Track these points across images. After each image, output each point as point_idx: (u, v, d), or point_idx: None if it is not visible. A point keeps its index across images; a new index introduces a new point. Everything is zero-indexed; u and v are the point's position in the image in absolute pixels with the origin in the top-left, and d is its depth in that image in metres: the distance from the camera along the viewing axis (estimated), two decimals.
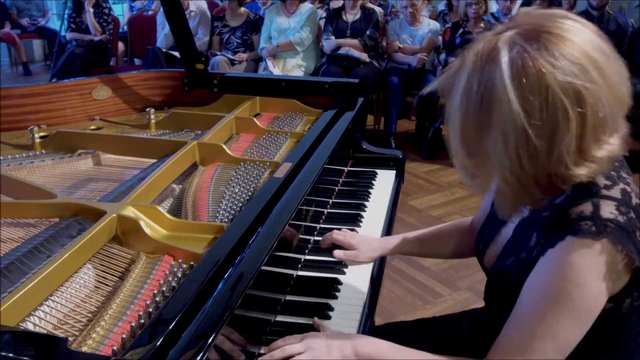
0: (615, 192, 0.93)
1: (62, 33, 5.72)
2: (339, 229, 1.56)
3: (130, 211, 1.26)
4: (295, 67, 4.84)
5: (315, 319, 1.18)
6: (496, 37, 0.90)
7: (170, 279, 1.09)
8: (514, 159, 0.88)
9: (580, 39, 0.87)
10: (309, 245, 1.48)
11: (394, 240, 1.46)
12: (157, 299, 1.03)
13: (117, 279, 1.14)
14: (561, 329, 0.93)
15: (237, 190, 1.45)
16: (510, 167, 0.89)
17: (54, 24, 7.81)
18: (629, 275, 0.94)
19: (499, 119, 0.86)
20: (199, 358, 0.85)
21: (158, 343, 0.85)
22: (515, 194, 0.93)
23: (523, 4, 5.07)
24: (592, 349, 1.03)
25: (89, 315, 1.03)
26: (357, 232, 1.56)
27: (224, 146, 1.64)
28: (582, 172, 0.89)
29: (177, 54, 4.40)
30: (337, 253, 1.42)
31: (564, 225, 0.92)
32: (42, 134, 1.78)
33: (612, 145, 0.90)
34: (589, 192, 0.93)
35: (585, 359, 1.04)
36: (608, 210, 0.91)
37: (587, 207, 0.92)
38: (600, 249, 0.89)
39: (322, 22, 5.10)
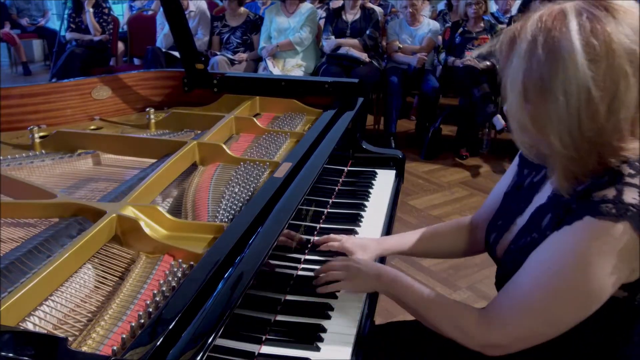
0: (638, 180, 0.93)
1: (62, 33, 5.72)
2: (339, 229, 1.56)
3: (130, 211, 1.26)
4: (295, 67, 4.84)
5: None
6: (560, 5, 0.92)
7: (170, 278, 1.09)
8: (575, 120, 0.89)
9: (638, 12, 0.90)
10: (309, 245, 1.48)
11: (390, 240, 1.46)
12: (157, 298, 1.03)
13: (117, 279, 1.14)
14: (556, 306, 0.94)
15: (237, 190, 1.45)
16: (570, 128, 0.90)
17: (54, 24, 7.82)
18: None
19: (563, 79, 0.88)
20: (199, 358, 0.85)
21: (158, 343, 0.85)
22: (569, 161, 0.93)
23: (522, 4, 5.06)
24: (601, 340, 1.04)
25: (89, 315, 1.03)
26: (356, 233, 1.56)
27: (224, 146, 1.64)
28: (632, 146, 0.91)
29: (176, 53, 4.41)
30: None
31: (584, 207, 0.93)
32: (42, 134, 1.78)
33: None
34: (613, 179, 0.93)
35: (591, 350, 1.05)
36: (631, 195, 0.91)
37: (610, 192, 0.92)
38: (619, 233, 0.89)
39: (321, 22, 5.10)
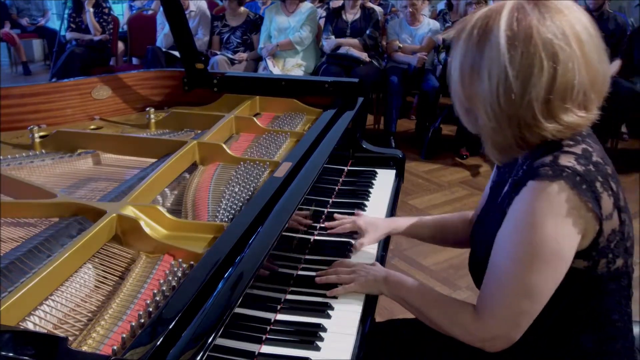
0: (577, 149, 1.04)
1: (62, 33, 5.72)
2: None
3: (130, 211, 1.26)
4: (295, 67, 4.84)
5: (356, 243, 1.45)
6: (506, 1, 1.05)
7: (170, 278, 1.09)
8: (494, 96, 1.01)
9: (571, 15, 1.01)
10: (309, 245, 1.48)
11: (400, 221, 1.55)
12: (157, 298, 1.03)
13: (117, 278, 1.14)
14: (527, 275, 1.01)
15: (237, 189, 1.45)
16: (491, 104, 1.02)
17: (54, 23, 7.81)
18: (595, 226, 1.01)
19: (488, 59, 1.00)
20: (199, 357, 0.85)
21: (158, 343, 0.85)
22: (494, 132, 1.06)
23: None
24: (575, 322, 1.10)
25: (89, 314, 1.03)
26: (356, 233, 1.55)
27: (224, 146, 1.64)
28: (549, 126, 1.01)
29: (177, 53, 4.40)
30: (355, 244, 1.49)
31: (527, 174, 1.04)
32: (42, 133, 1.78)
33: (579, 117, 1.02)
34: (552, 148, 1.04)
35: (571, 337, 1.10)
36: (567, 159, 1.02)
37: (547, 158, 1.03)
38: (557, 190, 0.98)
39: (322, 22, 5.10)
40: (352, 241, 1.50)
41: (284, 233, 1.22)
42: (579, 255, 1.02)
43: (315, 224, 1.57)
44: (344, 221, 1.52)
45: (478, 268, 1.19)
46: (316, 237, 1.53)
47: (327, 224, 1.55)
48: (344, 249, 1.47)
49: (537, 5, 1.01)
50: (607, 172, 1.04)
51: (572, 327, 1.10)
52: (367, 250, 1.48)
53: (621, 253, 1.06)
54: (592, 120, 1.05)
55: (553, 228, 0.98)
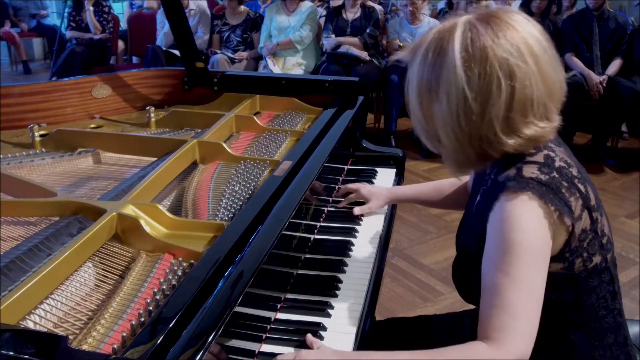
0: (539, 157, 1.06)
1: (62, 31, 5.71)
2: (339, 227, 1.56)
3: (130, 209, 1.26)
4: (295, 66, 4.84)
5: (308, 336, 1.12)
6: (456, 18, 1.06)
7: (170, 277, 1.09)
8: (454, 118, 1.02)
9: (523, 30, 1.02)
10: (309, 244, 1.48)
11: (401, 189, 1.70)
12: (158, 297, 1.04)
13: (118, 277, 1.14)
14: (525, 276, 1.00)
15: (237, 188, 1.45)
16: (452, 125, 1.03)
17: (54, 22, 7.81)
18: (565, 230, 1.03)
19: (445, 81, 1.01)
20: (199, 356, 0.85)
21: (158, 341, 0.85)
22: (455, 151, 1.07)
23: (522, 4, 5.06)
24: (564, 320, 1.11)
25: (90, 313, 1.03)
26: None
27: (224, 145, 1.64)
28: (509, 141, 1.02)
29: (177, 52, 4.40)
30: (356, 210, 1.63)
31: (497, 189, 1.05)
32: (42, 132, 1.78)
33: (541, 128, 1.03)
34: (514, 159, 1.06)
35: (562, 334, 1.11)
36: (530, 171, 1.04)
37: (511, 171, 1.05)
38: (527, 198, 1.00)
39: (322, 21, 5.10)
40: (353, 239, 1.50)
41: (284, 232, 1.22)
42: (553, 259, 1.04)
43: (316, 223, 1.57)
44: (348, 187, 1.65)
45: (460, 277, 1.21)
46: (316, 236, 1.53)
47: (340, 188, 1.66)
48: (344, 248, 1.47)
49: (489, 23, 1.01)
50: (573, 174, 1.06)
51: (562, 325, 1.12)
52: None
53: (597, 250, 1.08)
54: (555, 127, 1.06)
55: (532, 228, 1.00)
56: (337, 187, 1.81)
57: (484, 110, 1.00)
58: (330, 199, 1.73)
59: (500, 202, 1.02)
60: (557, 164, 1.05)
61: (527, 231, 0.99)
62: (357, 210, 1.62)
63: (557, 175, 1.03)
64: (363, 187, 1.66)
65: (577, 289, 1.09)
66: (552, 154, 1.06)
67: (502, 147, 1.03)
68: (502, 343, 0.98)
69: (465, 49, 0.99)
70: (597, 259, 1.08)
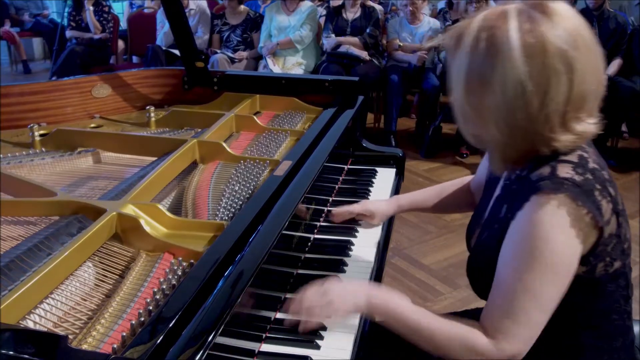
0: (573, 157, 1.02)
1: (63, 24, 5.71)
2: (339, 227, 1.56)
3: (130, 209, 1.26)
4: (295, 65, 4.84)
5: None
6: (503, 6, 1.00)
7: (170, 277, 1.09)
8: (510, 111, 0.97)
9: (576, 20, 0.99)
10: (309, 243, 1.48)
11: (402, 199, 1.61)
12: (157, 297, 1.04)
13: (117, 277, 1.14)
14: (539, 286, 0.98)
15: (237, 188, 1.44)
16: (506, 119, 0.98)
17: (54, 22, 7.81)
18: (595, 233, 1.00)
19: (502, 72, 0.96)
20: (199, 356, 0.85)
21: (158, 341, 0.85)
22: (504, 146, 1.03)
23: None
24: (575, 321, 1.09)
25: (89, 313, 1.03)
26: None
27: (224, 144, 1.64)
28: (563, 138, 0.99)
29: (177, 52, 4.40)
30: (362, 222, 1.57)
31: (527, 188, 1.01)
32: (42, 132, 1.78)
33: (589, 124, 1.00)
34: (548, 158, 1.02)
35: (571, 335, 1.10)
36: (565, 170, 1.00)
37: (545, 170, 1.01)
38: (559, 203, 0.97)
39: (322, 20, 5.10)
40: (353, 239, 1.50)
41: (284, 232, 1.22)
42: (578, 261, 1.01)
43: (316, 223, 1.57)
44: (352, 207, 1.58)
45: (476, 274, 1.18)
46: (316, 236, 1.53)
47: (334, 210, 1.58)
48: (344, 248, 1.47)
49: (545, 12, 0.97)
50: (605, 177, 1.03)
51: (572, 326, 1.10)
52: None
53: (618, 255, 1.05)
54: (599, 126, 1.02)
55: (559, 240, 0.97)
56: (336, 186, 1.81)
57: (542, 104, 0.96)
58: (330, 199, 1.73)
59: (531, 205, 0.99)
60: (591, 165, 1.02)
61: (553, 242, 0.97)
62: (362, 223, 1.57)
63: (590, 177, 1.00)
64: (365, 204, 1.58)
65: (594, 292, 1.07)
66: (585, 155, 1.03)
67: (554, 144, 0.99)
68: (498, 341, 1.02)
69: (523, 39, 0.95)
70: (617, 264, 1.06)
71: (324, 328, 1.16)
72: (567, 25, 0.96)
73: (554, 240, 0.97)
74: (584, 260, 1.02)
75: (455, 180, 1.56)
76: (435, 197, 1.56)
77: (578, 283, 1.03)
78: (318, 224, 1.58)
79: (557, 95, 0.95)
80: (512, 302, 1.00)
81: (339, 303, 1.11)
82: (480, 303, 1.26)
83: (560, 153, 1.02)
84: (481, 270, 1.14)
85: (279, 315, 1.21)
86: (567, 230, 0.97)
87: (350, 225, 1.58)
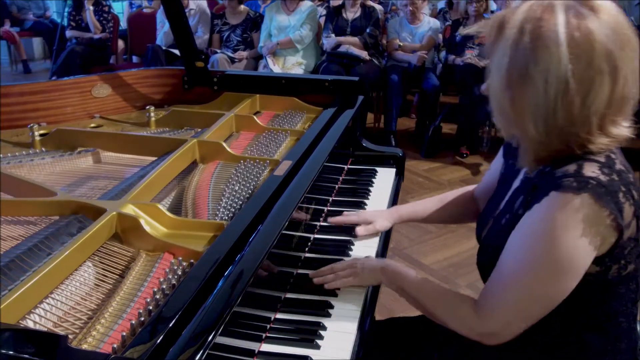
0: (600, 157, 0.99)
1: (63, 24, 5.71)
2: (339, 227, 1.56)
3: (130, 209, 1.26)
4: (295, 65, 4.84)
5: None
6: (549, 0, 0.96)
7: (170, 276, 1.09)
8: (550, 109, 0.94)
9: (619, 16, 0.95)
10: (309, 243, 1.48)
11: (402, 209, 1.58)
12: (157, 296, 1.04)
13: (117, 276, 1.14)
14: (535, 282, 0.99)
15: (237, 188, 1.44)
16: (545, 116, 0.95)
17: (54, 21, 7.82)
18: (615, 235, 0.98)
19: (546, 68, 0.93)
20: (199, 356, 0.85)
21: (158, 341, 0.85)
22: (539, 144, 0.99)
23: None
24: (581, 322, 1.08)
25: (89, 313, 1.03)
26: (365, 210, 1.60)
27: (224, 144, 1.64)
28: (598, 140, 0.96)
29: (177, 51, 4.40)
30: (359, 230, 1.51)
31: (549, 183, 0.98)
32: (42, 131, 1.78)
33: (624, 128, 0.98)
34: (575, 156, 0.99)
35: (576, 335, 1.10)
36: (591, 169, 0.97)
37: (571, 167, 0.98)
38: (580, 204, 0.94)
39: (322, 20, 5.10)
40: (353, 239, 1.50)
41: (284, 231, 1.22)
42: (593, 261, 0.99)
43: (315, 222, 1.57)
44: (348, 216, 1.55)
45: (487, 266, 1.16)
46: (316, 236, 1.53)
47: (330, 219, 1.56)
48: (344, 248, 1.47)
49: (592, 9, 0.93)
50: (630, 180, 1.00)
51: (578, 327, 1.09)
52: (367, 249, 1.48)
53: (633, 259, 1.03)
54: (632, 129, 1.00)
55: (571, 242, 0.95)
56: (336, 186, 1.81)
57: (582, 105, 0.93)
58: (330, 199, 1.73)
59: (549, 200, 0.96)
60: (617, 166, 1.00)
61: (561, 244, 0.95)
62: (360, 230, 1.51)
63: (616, 179, 0.97)
64: (365, 213, 1.57)
65: (603, 293, 1.06)
66: (612, 155, 1.00)
67: (588, 146, 0.97)
68: (481, 316, 1.06)
69: (571, 34, 0.91)
70: (631, 267, 1.04)
71: (324, 328, 1.16)
72: (613, 24, 0.93)
73: (564, 241, 0.95)
74: (599, 260, 1.00)
75: (456, 190, 1.54)
76: (435, 207, 1.54)
77: (589, 282, 1.01)
78: (318, 224, 1.58)
79: (598, 97, 0.93)
80: (506, 288, 1.02)
81: (361, 265, 1.27)
82: None
83: (588, 152, 0.99)
84: (492, 262, 1.12)
85: (279, 315, 1.21)
86: (583, 234, 0.94)
87: (351, 225, 1.58)
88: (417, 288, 1.19)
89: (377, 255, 1.47)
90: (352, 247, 1.48)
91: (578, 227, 0.94)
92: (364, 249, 1.48)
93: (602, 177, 0.96)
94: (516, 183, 1.16)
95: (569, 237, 0.94)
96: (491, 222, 1.21)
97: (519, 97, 0.97)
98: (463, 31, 4.40)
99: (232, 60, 4.95)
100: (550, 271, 0.97)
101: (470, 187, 1.51)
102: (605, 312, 1.08)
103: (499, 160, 1.34)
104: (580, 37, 0.91)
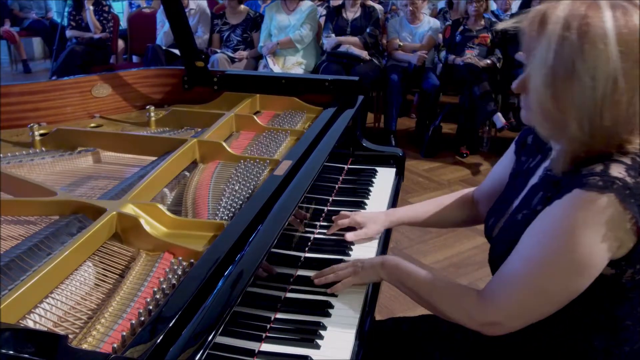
0: (627, 159, 0.97)
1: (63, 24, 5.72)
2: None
3: (130, 209, 1.26)
4: (295, 65, 4.84)
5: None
6: None
7: (170, 276, 1.09)
8: (598, 107, 0.91)
9: None
10: (309, 243, 1.48)
11: (399, 212, 1.54)
12: (157, 296, 1.04)
13: (117, 276, 1.14)
14: (545, 278, 0.97)
15: (237, 187, 1.44)
16: (590, 115, 0.92)
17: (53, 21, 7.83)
18: (634, 240, 0.95)
19: (594, 65, 0.90)
20: (199, 356, 0.85)
21: (158, 341, 0.85)
22: (580, 144, 0.96)
23: (522, 5, 5.06)
24: (589, 324, 1.07)
25: (89, 312, 1.03)
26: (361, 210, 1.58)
27: (224, 144, 1.64)
28: (637, 141, 0.95)
29: (177, 51, 4.40)
30: (349, 236, 1.47)
31: (573, 180, 0.96)
32: (42, 131, 1.78)
33: None
34: (602, 156, 0.97)
35: (583, 337, 1.08)
36: (617, 170, 0.94)
37: (598, 166, 0.96)
38: (604, 204, 0.92)
39: (322, 20, 5.10)
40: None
41: (284, 231, 1.22)
42: (609, 263, 0.98)
43: (315, 222, 1.57)
44: (342, 217, 1.52)
45: (500, 263, 1.14)
46: (316, 236, 1.53)
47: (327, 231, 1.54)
48: (344, 247, 1.47)
49: (636, 6, 0.92)
50: None
51: (585, 328, 1.08)
52: (367, 249, 1.48)
53: None
54: None
55: (589, 242, 0.93)
56: (336, 186, 1.81)
57: (629, 104, 0.91)
58: (330, 198, 1.73)
59: (572, 197, 0.94)
60: None
61: (579, 243, 0.93)
62: (349, 236, 1.47)
63: None
64: (357, 215, 1.52)
65: (615, 296, 1.04)
66: (638, 159, 0.98)
67: (626, 146, 0.95)
68: (485, 305, 1.05)
69: (620, 32, 0.89)
70: None
71: (324, 327, 1.16)
72: None
73: (582, 240, 0.93)
74: (615, 263, 0.98)
75: (454, 194, 1.52)
76: (433, 211, 1.51)
77: (601, 284, 1.00)
78: (318, 223, 1.58)
79: None
80: (516, 280, 1.01)
81: (361, 263, 1.27)
82: None
83: (613, 153, 0.97)
84: (506, 258, 1.10)
85: (279, 315, 1.21)
86: (602, 234, 0.93)
87: (351, 225, 1.58)
88: (418, 280, 1.17)
89: (377, 255, 1.47)
90: (352, 247, 1.48)
91: (598, 227, 0.92)
92: (364, 248, 1.48)
93: (628, 179, 0.93)
94: (534, 180, 1.15)
95: (587, 237, 0.93)
96: (505, 219, 1.19)
97: (562, 95, 0.94)
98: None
99: (232, 60, 4.95)
100: (563, 269, 0.96)
101: (468, 190, 1.49)
102: (613, 314, 1.06)
103: (508, 158, 1.33)
104: (628, 35, 0.89)
